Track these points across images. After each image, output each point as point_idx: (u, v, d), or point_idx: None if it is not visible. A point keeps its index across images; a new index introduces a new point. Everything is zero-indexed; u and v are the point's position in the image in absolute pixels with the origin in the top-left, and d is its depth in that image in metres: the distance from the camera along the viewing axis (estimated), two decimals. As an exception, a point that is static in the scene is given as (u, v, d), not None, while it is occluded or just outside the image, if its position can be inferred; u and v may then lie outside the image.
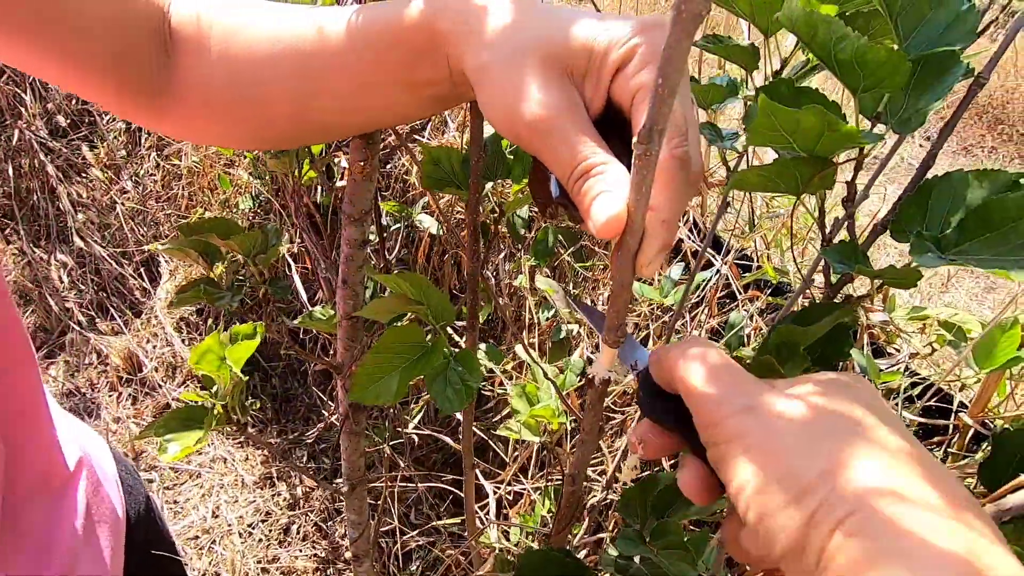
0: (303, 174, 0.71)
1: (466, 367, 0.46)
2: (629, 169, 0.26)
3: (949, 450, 0.85)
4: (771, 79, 0.43)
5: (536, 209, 0.61)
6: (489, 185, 0.58)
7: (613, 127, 0.29)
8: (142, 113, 0.37)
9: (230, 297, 0.64)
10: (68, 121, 1.98)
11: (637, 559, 0.46)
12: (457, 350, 0.49)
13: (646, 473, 1.06)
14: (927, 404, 0.90)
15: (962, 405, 0.87)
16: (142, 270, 1.86)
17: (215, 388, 0.46)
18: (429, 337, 0.48)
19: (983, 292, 1.99)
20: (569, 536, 0.63)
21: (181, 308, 1.78)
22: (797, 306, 0.46)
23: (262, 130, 0.38)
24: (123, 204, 1.87)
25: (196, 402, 0.47)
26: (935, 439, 0.89)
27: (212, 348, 0.44)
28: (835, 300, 0.36)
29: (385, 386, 0.45)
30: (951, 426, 0.86)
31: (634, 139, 0.23)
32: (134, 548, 0.53)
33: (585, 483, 0.98)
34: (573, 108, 0.28)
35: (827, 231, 0.37)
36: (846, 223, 0.37)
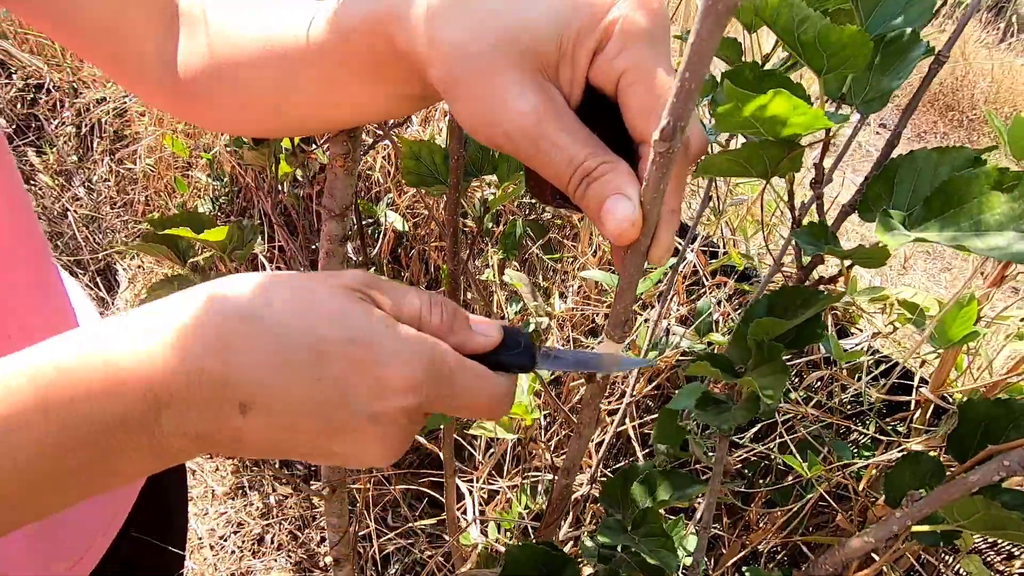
0: (279, 169, 0.68)
1: None
2: (622, 155, 0.26)
3: (912, 425, 0.88)
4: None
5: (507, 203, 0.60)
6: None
7: (594, 111, 0.28)
8: (139, 87, 0.37)
9: (199, 281, 0.62)
10: (13, 127, 1.89)
11: (619, 548, 0.46)
12: None
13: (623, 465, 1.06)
14: (891, 382, 0.92)
15: (923, 381, 0.89)
16: (98, 279, 1.78)
17: None
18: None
19: (939, 272, 2.06)
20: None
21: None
22: (768, 289, 0.46)
23: (241, 114, 0.37)
24: (76, 212, 1.79)
25: None
26: (899, 415, 0.91)
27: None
28: (806, 283, 0.36)
29: None
30: (913, 402, 0.89)
31: (654, 136, 0.22)
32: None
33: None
34: (555, 108, 0.26)
35: (796, 213, 0.37)
36: (815, 204, 0.37)
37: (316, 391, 0.23)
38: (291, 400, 0.23)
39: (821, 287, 0.34)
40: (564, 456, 0.39)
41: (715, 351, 0.90)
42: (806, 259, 0.36)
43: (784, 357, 0.31)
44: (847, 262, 0.34)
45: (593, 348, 0.31)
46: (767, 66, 0.47)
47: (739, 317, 1.01)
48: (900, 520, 0.29)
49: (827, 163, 0.38)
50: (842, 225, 0.40)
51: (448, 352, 0.26)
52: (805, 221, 0.37)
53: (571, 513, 0.87)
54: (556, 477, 0.42)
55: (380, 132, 0.62)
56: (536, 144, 0.25)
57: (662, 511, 0.47)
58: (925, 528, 0.32)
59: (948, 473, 0.35)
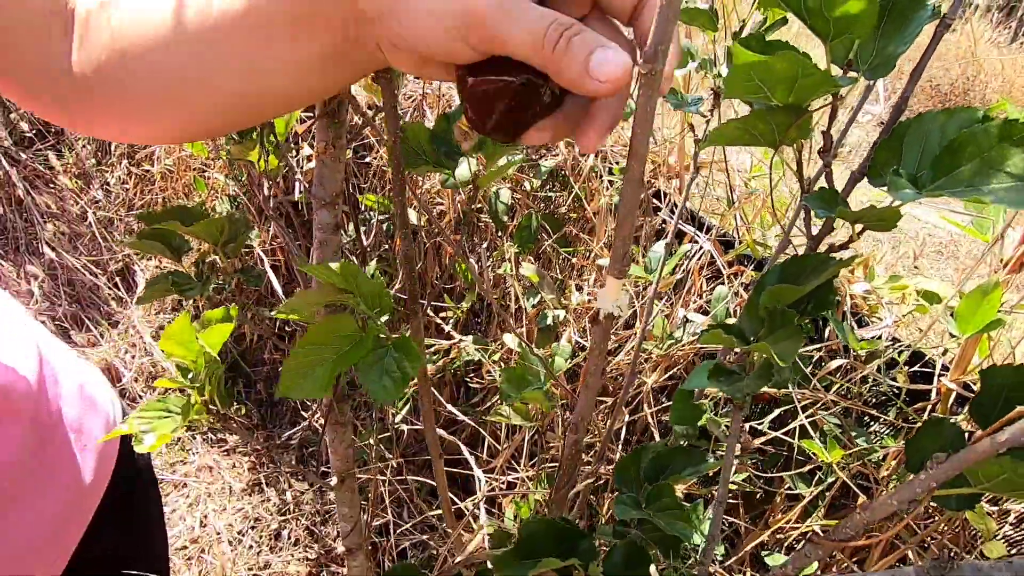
0: (268, 162, 0.69)
1: (403, 353, 0.44)
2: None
3: (933, 414, 0.87)
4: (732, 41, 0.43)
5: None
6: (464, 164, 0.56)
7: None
8: (32, 100, 0.33)
9: (199, 287, 0.62)
10: (33, 131, 1.94)
11: (634, 525, 0.46)
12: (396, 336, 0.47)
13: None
14: (912, 371, 0.91)
15: (944, 369, 0.88)
16: (117, 280, 1.82)
17: (190, 375, 0.45)
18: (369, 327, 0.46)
19: (952, 272, 2.03)
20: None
21: (159, 316, 1.75)
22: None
23: (153, 113, 0.32)
24: (95, 213, 1.83)
25: (172, 390, 0.45)
26: (919, 404, 0.90)
27: (183, 330, 0.42)
28: (817, 251, 0.36)
29: (314, 379, 0.43)
30: (934, 390, 0.87)
31: (638, 59, 0.23)
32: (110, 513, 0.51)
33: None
34: None
35: (805, 183, 0.37)
36: (823, 174, 0.36)
37: None
38: None
39: (832, 254, 0.34)
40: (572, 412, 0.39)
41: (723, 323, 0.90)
42: (816, 229, 0.36)
43: (803, 338, 0.31)
44: (857, 228, 0.33)
45: (595, 291, 0.32)
46: (743, 33, 0.47)
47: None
48: (924, 482, 0.29)
49: (834, 132, 0.37)
50: (852, 196, 0.40)
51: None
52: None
53: (579, 501, 0.87)
54: (565, 434, 0.42)
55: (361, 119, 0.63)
56: (504, 10, 0.25)
57: (677, 487, 0.47)
58: (946, 492, 0.31)
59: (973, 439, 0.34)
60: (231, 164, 1.50)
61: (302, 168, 1.00)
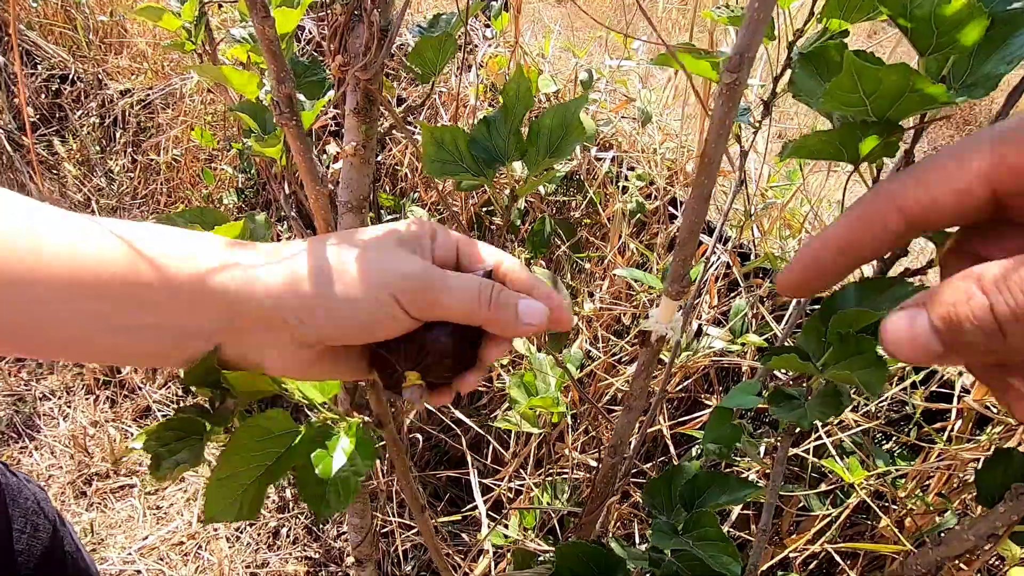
0: (290, 159, 0.67)
1: (356, 446, 0.37)
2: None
3: (952, 434, 0.86)
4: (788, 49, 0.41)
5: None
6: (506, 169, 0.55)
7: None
8: None
9: None
10: (38, 116, 1.90)
11: (668, 552, 0.44)
12: (348, 421, 0.40)
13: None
14: (931, 391, 0.90)
15: (965, 390, 0.87)
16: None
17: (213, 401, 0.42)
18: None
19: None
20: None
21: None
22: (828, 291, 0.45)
23: None
24: (98, 202, 1.80)
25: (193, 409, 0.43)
26: (938, 424, 0.89)
27: (206, 369, 0.36)
28: (886, 275, 0.34)
29: (241, 502, 0.36)
30: (954, 410, 0.86)
31: (721, 67, 0.22)
32: None
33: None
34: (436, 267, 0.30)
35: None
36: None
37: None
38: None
39: (908, 279, 0.32)
40: (612, 432, 0.38)
41: (784, 345, 0.88)
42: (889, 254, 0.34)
43: (887, 368, 0.29)
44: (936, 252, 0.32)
45: (649, 313, 0.31)
46: (799, 43, 0.45)
47: (774, 319, 0.99)
48: (1004, 515, 0.28)
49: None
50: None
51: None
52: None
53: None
54: (603, 457, 0.40)
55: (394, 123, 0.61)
56: (439, 277, 0.29)
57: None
58: None
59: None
60: (240, 156, 1.48)
61: (327, 167, 0.98)
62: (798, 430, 0.96)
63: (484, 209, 1.31)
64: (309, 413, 0.42)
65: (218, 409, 0.41)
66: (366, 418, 0.45)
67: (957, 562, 0.65)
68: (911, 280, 0.31)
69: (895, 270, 0.37)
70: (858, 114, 0.28)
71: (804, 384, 0.36)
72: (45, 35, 1.99)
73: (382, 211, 1.29)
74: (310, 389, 0.41)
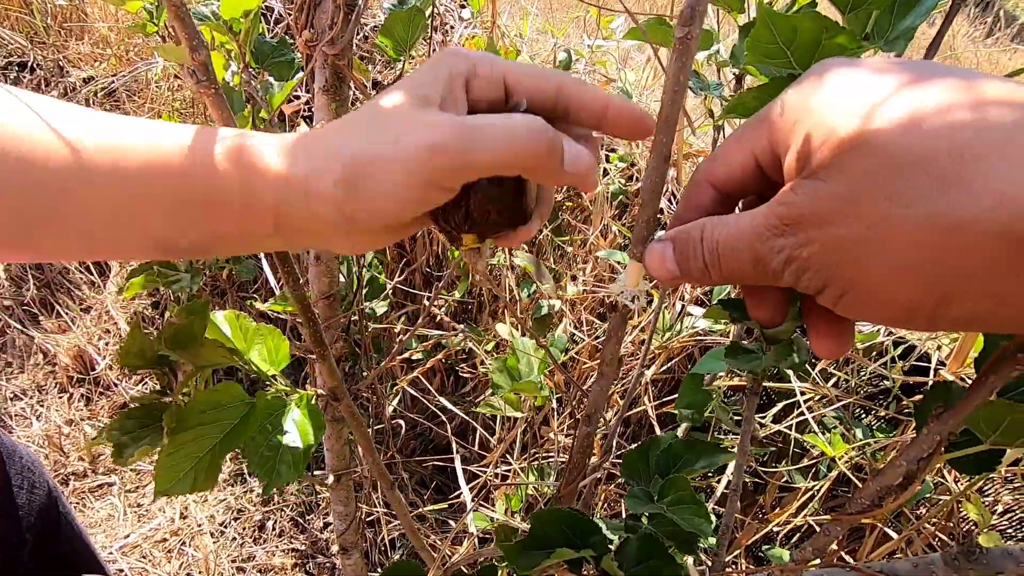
0: None
1: (307, 417, 0.38)
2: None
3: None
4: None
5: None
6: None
7: None
8: None
9: (188, 280, 0.58)
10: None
11: (645, 519, 0.44)
12: (299, 393, 0.40)
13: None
14: (907, 364, 0.91)
15: (941, 363, 0.89)
16: (90, 264, 1.74)
17: (168, 382, 0.41)
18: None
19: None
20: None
21: (135, 302, 1.68)
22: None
23: None
24: (63, 192, 1.74)
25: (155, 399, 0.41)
26: (916, 397, 0.91)
27: (135, 340, 0.35)
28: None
29: (193, 474, 0.37)
30: (931, 382, 0.88)
31: (674, 23, 0.21)
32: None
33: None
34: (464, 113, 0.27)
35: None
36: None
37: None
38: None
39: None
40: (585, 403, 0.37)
41: (731, 298, 0.88)
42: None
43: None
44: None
45: (617, 276, 0.30)
46: None
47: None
48: (928, 437, 0.28)
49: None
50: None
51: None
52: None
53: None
54: (579, 425, 0.40)
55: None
56: (469, 135, 0.25)
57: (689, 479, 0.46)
58: (960, 453, 0.31)
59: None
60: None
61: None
62: (780, 405, 0.97)
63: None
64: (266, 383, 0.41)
65: (176, 387, 0.40)
66: (320, 391, 0.44)
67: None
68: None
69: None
70: (783, 66, 0.29)
71: (761, 340, 0.36)
72: (0, 21, 1.90)
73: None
74: (261, 363, 0.40)
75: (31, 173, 0.25)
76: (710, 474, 0.97)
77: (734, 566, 0.92)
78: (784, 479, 0.92)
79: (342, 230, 0.27)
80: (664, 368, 1.07)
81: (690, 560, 0.38)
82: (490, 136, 0.25)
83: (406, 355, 1.11)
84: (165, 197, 0.27)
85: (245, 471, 1.52)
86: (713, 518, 0.41)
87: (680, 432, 0.71)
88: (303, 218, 0.27)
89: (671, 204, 1.22)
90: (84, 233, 0.27)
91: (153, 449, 0.42)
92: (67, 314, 1.68)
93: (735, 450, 0.47)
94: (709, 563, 0.51)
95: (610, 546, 0.41)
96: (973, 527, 0.88)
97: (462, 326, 1.19)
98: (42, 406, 1.57)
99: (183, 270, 0.59)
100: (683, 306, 1.03)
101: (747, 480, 0.97)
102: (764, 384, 0.97)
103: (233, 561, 1.37)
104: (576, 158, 0.26)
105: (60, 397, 1.59)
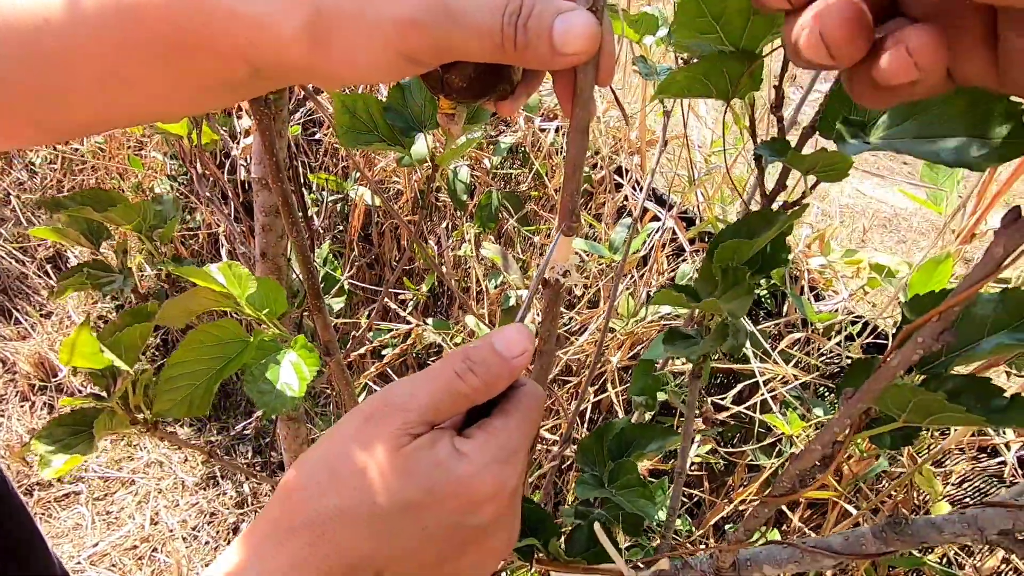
0: (201, 136, 0.63)
1: (302, 357, 0.40)
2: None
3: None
4: None
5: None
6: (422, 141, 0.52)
7: None
8: None
9: (121, 280, 0.57)
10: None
11: (596, 506, 0.44)
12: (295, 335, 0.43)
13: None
14: (865, 341, 0.93)
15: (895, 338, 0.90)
16: (47, 267, 1.70)
17: (107, 385, 0.40)
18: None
19: (895, 244, 2.11)
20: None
21: (97, 305, 1.64)
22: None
23: None
24: (18, 197, 1.70)
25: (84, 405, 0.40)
26: (874, 373, 0.92)
27: (86, 343, 0.36)
28: (772, 208, 0.34)
29: (191, 396, 0.39)
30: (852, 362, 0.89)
31: None
32: None
33: (540, 444, 0.96)
34: None
35: (758, 138, 0.36)
36: (778, 129, 0.35)
37: (427, 537, 0.27)
38: (412, 553, 0.27)
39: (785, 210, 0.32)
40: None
41: (676, 284, 0.89)
42: (769, 189, 0.34)
43: (753, 295, 0.29)
44: (811, 182, 0.32)
45: (547, 250, 0.30)
46: None
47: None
48: (839, 420, 0.28)
49: (788, 111, 0.36)
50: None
51: (505, 436, 0.27)
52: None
53: (544, 485, 0.86)
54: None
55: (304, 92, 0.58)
56: (444, 11, 0.22)
57: (639, 464, 0.46)
58: (878, 431, 0.31)
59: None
60: (167, 141, 1.41)
61: (239, 143, 0.93)
62: (741, 385, 0.97)
63: (431, 186, 1.28)
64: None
65: (113, 392, 0.39)
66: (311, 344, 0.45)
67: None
68: (798, 210, 0.31)
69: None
70: (714, 42, 0.29)
71: (703, 325, 0.36)
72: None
73: (322, 191, 1.25)
74: (251, 310, 0.41)
75: (44, 54, 0.26)
76: (675, 457, 0.97)
77: (705, 544, 0.93)
78: (750, 459, 0.93)
79: (317, 75, 0.26)
80: (631, 355, 1.07)
81: (616, 554, 0.38)
82: (465, 17, 0.22)
83: (369, 348, 1.10)
84: (142, 47, 0.26)
85: (218, 474, 1.50)
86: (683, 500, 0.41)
87: (634, 418, 0.71)
88: (274, 62, 0.26)
89: (636, 191, 1.23)
90: (74, 92, 0.27)
91: (83, 458, 0.41)
92: (26, 320, 1.64)
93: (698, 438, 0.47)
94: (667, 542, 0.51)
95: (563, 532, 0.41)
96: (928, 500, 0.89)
97: (430, 320, 1.18)
98: (3, 415, 1.53)
99: (117, 271, 0.58)
100: (647, 293, 1.04)
101: (718, 461, 0.98)
102: (727, 366, 0.98)
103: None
104: (566, 35, 0.23)
105: (22, 406, 1.55)
